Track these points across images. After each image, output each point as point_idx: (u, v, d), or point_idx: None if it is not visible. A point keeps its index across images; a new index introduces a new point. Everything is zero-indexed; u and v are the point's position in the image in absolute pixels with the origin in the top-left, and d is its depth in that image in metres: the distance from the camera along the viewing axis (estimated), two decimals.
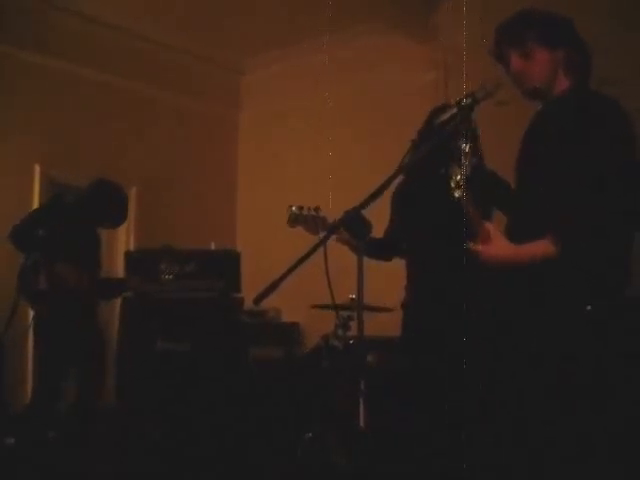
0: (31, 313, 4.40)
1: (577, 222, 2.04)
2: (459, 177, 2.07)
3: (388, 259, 3.50)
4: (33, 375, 4.42)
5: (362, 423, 2.87)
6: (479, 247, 2.17)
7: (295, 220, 3.23)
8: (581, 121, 2.13)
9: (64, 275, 4.29)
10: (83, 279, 4.38)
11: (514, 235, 2.24)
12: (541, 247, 2.07)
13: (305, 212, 3.22)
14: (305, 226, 3.24)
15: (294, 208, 3.22)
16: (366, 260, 3.11)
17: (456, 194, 2.08)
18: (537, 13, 2.31)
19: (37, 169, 5.95)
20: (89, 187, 4.64)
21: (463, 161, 2.07)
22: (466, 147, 2.08)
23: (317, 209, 3.24)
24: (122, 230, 6.68)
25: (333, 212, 3.23)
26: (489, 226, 2.18)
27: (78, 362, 4.43)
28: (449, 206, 3.07)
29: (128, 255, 5.13)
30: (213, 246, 5.43)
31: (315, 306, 4.31)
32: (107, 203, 4.60)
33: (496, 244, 2.15)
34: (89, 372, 4.45)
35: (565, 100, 2.25)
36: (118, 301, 5.05)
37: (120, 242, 6.63)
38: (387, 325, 3.80)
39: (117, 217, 4.71)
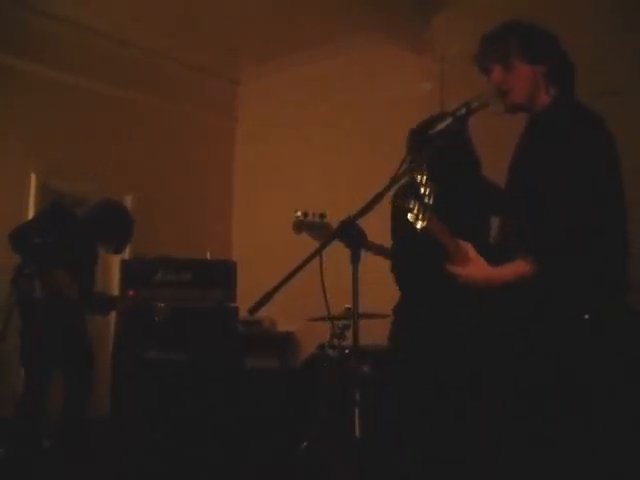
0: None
1: (549, 240, 2.04)
2: (416, 209, 2.06)
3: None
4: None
5: (357, 432, 2.86)
6: (457, 269, 2.17)
7: (300, 226, 3.23)
8: (555, 138, 2.14)
9: (58, 281, 4.27)
10: (75, 288, 4.35)
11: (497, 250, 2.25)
12: (514, 269, 2.08)
13: (310, 218, 3.22)
14: (309, 232, 3.24)
15: (299, 214, 3.22)
16: (362, 270, 3.09)
17: (417, 226, 2.07)
18: (521, 27, 2.30)
19: (33, 177, 5.94)
20: (100, 206, 4.65)
21: (422, 191, 2.06)
22: (422, 178, 2.08)
23: (322, 216, 3.24)
24: None
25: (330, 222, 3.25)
26: (466, 246, 2.18)
27: (66, 370, 4.41)
28: (442, 215, 3.10)
29: (124, 264, 5.12)
30: (209, 255, 5.42)
31: (311, 319, 4.31)
32: (115, 226, 4.63)
33: (473, 266, 2.16)
34: (77, 381, 4.43)
35: (544, 117, 2.26)
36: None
37: None
38: (383, 335, 3.79)
39: (122, 242, 4.73)
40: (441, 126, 2.22)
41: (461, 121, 2.21)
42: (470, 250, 2.18)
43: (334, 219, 3.22)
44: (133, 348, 4.72)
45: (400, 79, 6.37)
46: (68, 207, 4.77)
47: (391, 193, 2.36)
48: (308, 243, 3.07)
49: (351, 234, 2.98)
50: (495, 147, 3.05)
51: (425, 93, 6.07)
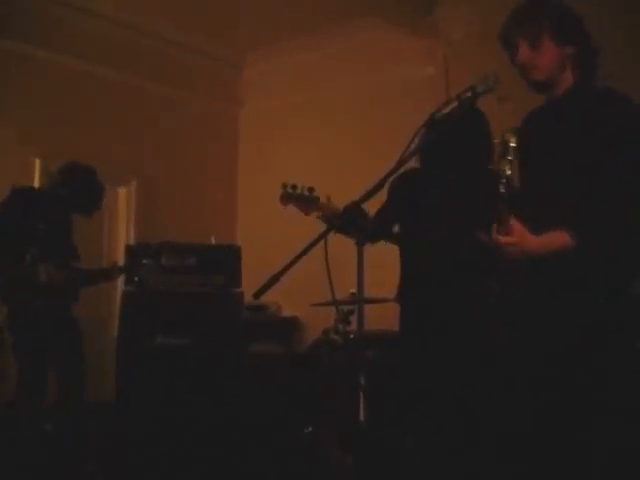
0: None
1: (592, 214, 2.03)
2: (509, 173, 2.04)
3: (374, 241, 3.43)
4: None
5: (362, 418, 2.87)
6: (509, 239, 2.09)
7: (288, 198, 3.20)
8: (587, 116, 2.14)
9: (51, 276, 4.25)
10: (61, 276, 4.34)
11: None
12: (562, 238, 2.04)
13: (298, 191, 3.20)
14: (297, 204, 3.21)
15: (288, 186, 3.20)
16: (367, 254, 3.09)
17: (501, 189, 2.05)
18: (552, 6, 2.28)
19: (37, 163, 5.94)
20: (62, 174, 4.52)
21: (510, 157, 2.04)
22: (512, 139, 2.05)
23: (311, 189, 3.22)
24: (122, 224, 6.70)
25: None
26: (514, 220, 2.12)
27: (58, 357, 4.41)
28: (449, 199, 3.09)
29: (129, 249, 5.12)
30: (213, 241, 5.42)
31: (316, 304, 4.31)
32: (84, 190, 4.50)
33: (526, 237, 2.08)
34: (71, 366, 4.43)
35: (569, 97, 2.25)
36: (119, 295, 5.05)
37: (120, 236, 6.64)
38: (388, 319, 3.79)
39: (94, 204, 4.59)
40: (447, 110, 2.21)
41: (467, 105, 2.20)
42: (516, 222, 2.11)
43: (339, 203, 3.21)
44: (139, 334, 4.73)
45: (405, 63, 6.34)
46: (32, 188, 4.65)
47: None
48: (313, 228, 3.06)
49: (355, 218, 2.97)
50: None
51: (430, 77, 6.04)
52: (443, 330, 3.01)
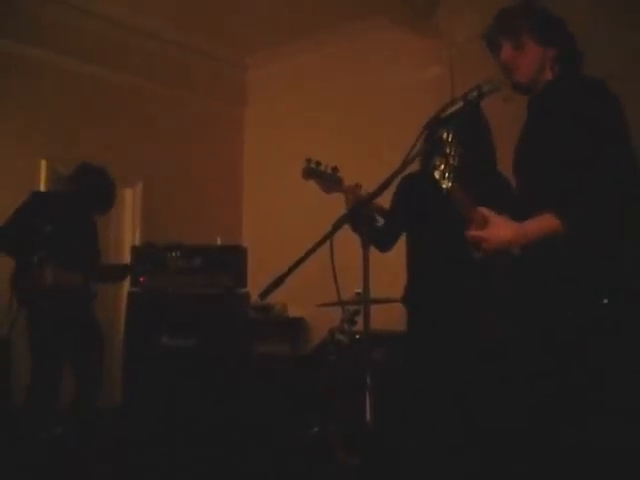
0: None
1: (577, 195, 2.01)
2: (443, 167, 2.04)
3: (385, 249, 3.43)
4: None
5: (368, 418, 2.87)
6: (477, 233, 2.10)
7: (310, 173, 3.20)
8: (567, 102, 2.15)
9: (57, 278, 4.26)
10: (75, 279, 4.35)
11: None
12: (545, 222, 2.01)
13: (322, 168, 3.20)
14: (319, 181, 3.21)
15: (312, 162, 3.20)
16: (372, 255, 3.10)
17: (443, 185, 2.05)
18: (537, 8, 2.31)
19: (43, 164, 5.95)
20: (78, 175, 4.57)
21: (447, 151, 2.03)
22: (448, 136, 2.05)
23: (335, 169, 3.22)
24: (128, 225, 6.71)
25: (336, 207, 3.23)
26: (483, 210, 2.11)
27: (75, 359, 4.42)
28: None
29: (135, 250, 5.13)
30: (219, 241, 5.43)
31: (321, 304, 4.31)
32: (99, 189, 4.55)
33: (496, 226, 2.08)
34: (86, 369, 4.44)
35: (547, 91, 2.27)
36: (125, 296, 5.06)
37: (126, 237, 6.65)
38: (393, 320, 3.79)
39: (108, 203, 4.65)
40: (452, 109, 2.20)
41: (473, 104, 2.19)
42: (488, 211, 2.10)
43: (341, 204, 3.21)
44: (145, 335, 4.74)
45: (410, 64, 6.33)
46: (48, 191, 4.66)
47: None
48: (319, 228, 3.07)
49: (362, 218, 2.97)
50: (504, 133, 3.03)
51: (435, 77, 6.04)
52: (440, 326, 3.01)
